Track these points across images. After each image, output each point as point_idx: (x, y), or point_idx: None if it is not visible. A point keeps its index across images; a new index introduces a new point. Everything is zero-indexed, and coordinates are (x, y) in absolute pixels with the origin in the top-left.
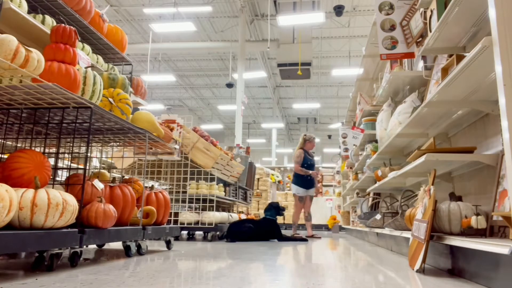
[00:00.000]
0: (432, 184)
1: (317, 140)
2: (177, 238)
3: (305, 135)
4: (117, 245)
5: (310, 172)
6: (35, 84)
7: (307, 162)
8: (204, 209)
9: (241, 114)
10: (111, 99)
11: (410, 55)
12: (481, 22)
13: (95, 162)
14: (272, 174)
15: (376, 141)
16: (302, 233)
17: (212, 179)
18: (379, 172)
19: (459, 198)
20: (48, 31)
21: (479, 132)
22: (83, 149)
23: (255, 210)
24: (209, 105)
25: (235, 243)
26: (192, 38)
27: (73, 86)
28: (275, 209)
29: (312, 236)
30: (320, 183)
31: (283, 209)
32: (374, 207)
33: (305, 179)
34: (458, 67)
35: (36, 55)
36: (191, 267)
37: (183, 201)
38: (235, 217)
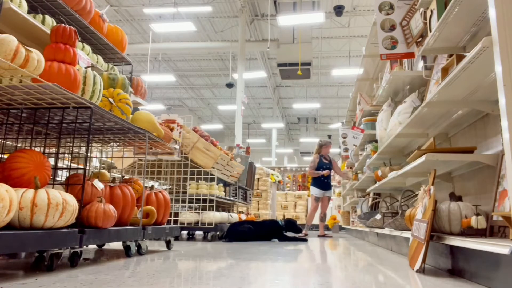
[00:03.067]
0: (432, 184)
1: (316, 140)
2: (177, 238)
3: (320, 141)
4: (117, 245)
5: (322, 172)
6: (35, 84)
7: (322, 166)
8: (204, 209)
9: (241, 114)
10: (111, 99)
11: (410, 55)
12: (481, 22)
13: (95, 162)
14: (272, 174)
15: (376, 141)
16: (313, 234)
17: (212, 179)
18: (379, 172)
19: (459, 198)
20: (48, 31)
21: (479, 132)
22: (83, 149)
23: (255, 210)
24: (209, 105)
25: (236, 243)
26: (192, 38)
27: (73, 86)
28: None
29: (324, 236)
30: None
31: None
32: (374, 207)
33: (322, 181)
34: (458, 67)
35: (36, 55)
36: (191, 267)
37: (183, 201)
38: (235, 217)
